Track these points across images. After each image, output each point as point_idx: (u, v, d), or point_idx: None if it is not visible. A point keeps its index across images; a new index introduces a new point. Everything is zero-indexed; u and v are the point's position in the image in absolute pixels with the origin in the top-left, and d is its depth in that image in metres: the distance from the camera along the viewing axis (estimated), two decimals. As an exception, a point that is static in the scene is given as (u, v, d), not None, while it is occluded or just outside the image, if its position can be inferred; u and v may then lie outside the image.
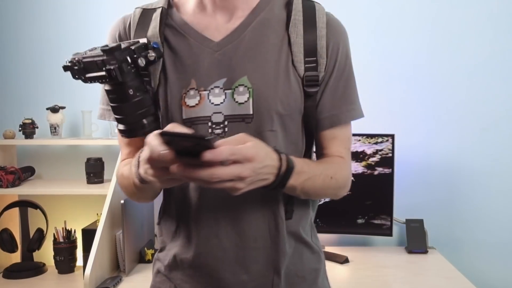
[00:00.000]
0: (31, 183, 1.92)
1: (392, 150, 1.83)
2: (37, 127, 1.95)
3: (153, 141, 0.67)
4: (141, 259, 1.82)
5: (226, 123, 0.82)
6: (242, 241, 0.83)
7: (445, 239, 1.99)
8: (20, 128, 1.92)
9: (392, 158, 1.83)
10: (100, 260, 1.62)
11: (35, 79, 2.07)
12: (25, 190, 1.85)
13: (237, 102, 0.81)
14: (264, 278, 0.85)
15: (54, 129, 1.93)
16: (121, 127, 0.83)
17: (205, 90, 0.82)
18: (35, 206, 1.95)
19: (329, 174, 0.85)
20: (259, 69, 0.82)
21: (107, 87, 0.80)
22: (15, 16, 2.06)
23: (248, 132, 0.77)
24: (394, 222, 1.91)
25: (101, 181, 1.88)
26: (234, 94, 0.82)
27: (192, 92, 0.82)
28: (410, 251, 1.89)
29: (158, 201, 1.95)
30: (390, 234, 1.87)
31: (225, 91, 0.82)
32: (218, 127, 0.82)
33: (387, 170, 1.84)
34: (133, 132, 0.82)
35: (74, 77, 0.78)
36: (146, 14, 0.89)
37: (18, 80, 2.08)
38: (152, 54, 0.81)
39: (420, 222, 1.95)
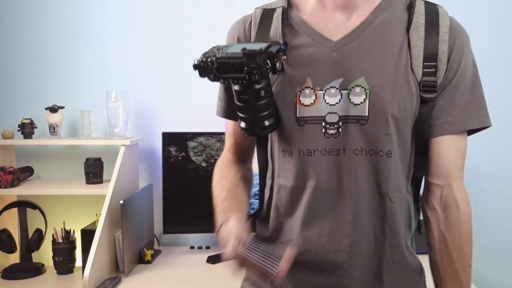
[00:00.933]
0: (30, 183, 1.91)
1: (393, 150, 1.82)
2: (36, 127, 1.94)
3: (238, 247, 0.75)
4: (141, 259, 1.81)
5: (340, 123, 0.81)
6: (348, 244, 0.83)
7: (446, 240, 1.98)
8: (19, 128, 1.91)
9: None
10: (99, 260, 1.61)
11: (34, 78, 2.06)
12: (24, 190, 1.84)
13: (352, 103, 0.80)
14: (365, 284, 0.84)
15: (53, 129, 1.93)
16: (243, 125, 0.85)
17: (321, 90, 0.81)
18: (34, 206, 1.94)
19: (469, 262, 0.96)
20: (377, 70, 0.81)
21: (237, 87, 0.80)
22: (14, 16, 2.05)
23: (362, 134, 0.80)
24: (395, 223, 1.90)
25: (100, 181, 1.87)
26: (350, 94, 0.80)
27: (307, 91, 0.82)
28: (411, 251, 1.89)
29: (158, 202, 1.93)
30: (391, 235, 1.86)
31: (341, 91, 0.81)
32: (332, 127, 0.81)
33: (388, 170, 1.83)
34: (254, 131, 0.85)
35: (202, 75, 0.79)
36: (266, 14, 0.89)
37: (16, 79, 2.07)
38: (285, 57, 0.81)
39: (422, 222, 1.93)
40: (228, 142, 1.00)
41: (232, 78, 0.78)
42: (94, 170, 1.86)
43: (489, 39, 1.96)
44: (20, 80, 2.07)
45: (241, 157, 1.01)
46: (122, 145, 1.81)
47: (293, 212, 0.86)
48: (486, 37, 1.96)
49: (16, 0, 2.04)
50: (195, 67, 0.78)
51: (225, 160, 0.99)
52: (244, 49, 0.74)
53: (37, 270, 1.87)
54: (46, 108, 1.92)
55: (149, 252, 1.82)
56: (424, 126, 0.84)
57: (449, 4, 1.95)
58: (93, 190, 1.80)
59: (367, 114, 0.80)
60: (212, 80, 0.79)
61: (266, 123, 0.83)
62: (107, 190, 1.71)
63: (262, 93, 0.79)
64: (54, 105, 1.92)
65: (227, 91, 0.94)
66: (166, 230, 1.95)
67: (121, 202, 1.66)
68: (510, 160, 1.98)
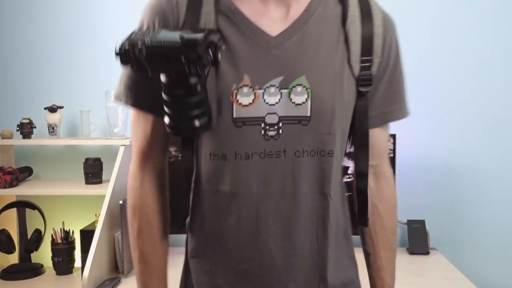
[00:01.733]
0: (29, 184, 1.90)
1: (394, 150, 1.82)
2: (35, 127, 1.93)
3: None
4: (140, 260, 1.80)
5: (280, 124, 0.77)
6: (290, 248, 0.79)
7: (447, 240, 1.98)
8: (17, 128, 1.90)
9: (393, 158, 1.82)
10: (99, 261, 1.60)
11: (33, 78, 2.06)
12: (23, 190, 1.83)
13: (293, 102, 0.77)
14: (311, 286, 0.82)
15: (52, 129, 1.92)
16: (167, 121, 0.74)
17: (260, 89, 0.76)
18: (33, 206, 1.94)
19: (396, 227, 0.96)
20: (318, 68, 0.78)
21: (168, 80, 0.70)
22: (13, 15, 2.04)
23: (304, 135, 0.77)
24: (395, 223, 1.90)
25: (100, 182, 1.87)
26: (291, 94, 0.77)
27: (245, 90, 0.76)
28: (411, 252, 1.88)
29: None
30: (391, 235, 1.85)
31: (281, 90, 0.77)
32: (272, 128, 0.77)
33: (388, 171, 1.83)
34: (181, 131, 0.76)
35: (125, 63, 0.68)
36: None
37: (16, 79, 2.06)
38: (223, 49, 0.73)
39: (422, 223, 1.93)
40: (142, 150, 0.84)
41: (166, 69, 0.68)
42: (94, 170, 1.85)
43: (489, 39, 1.96)
44: (19, 80, 2.06)
45: (158, 174, 0.86)
46: (122, 145, 1.80)
47: (228, 220, 0.79)
48: (486, 37, 1.96)
49: (16, 0, 2.04)
50: (118, 54, 0.68)
51: (145, 200, 0.85)
52: (182, 36, 0.65)
53: (36, 270, 1.87)
54: (45, 108, 1.91)
55: (148, 253, 1.81)
56: (361, 118, 0.83)
57: (451, 2, 1.96)
58: (93, 190, 1.79)
59: (309, 114, 0.77)
60: (137, 70, 0.68)
61: (197, 123, 0.73)
62: (106, 190, 1.70)
63: (198, 88, 0.70)
64: (53, 105, 1.91)
65: (147, 77, 0.75)
66: (165, 231, 1.94)
67: (121, 202, 1.66)
68: (510, 160, 1.97)
